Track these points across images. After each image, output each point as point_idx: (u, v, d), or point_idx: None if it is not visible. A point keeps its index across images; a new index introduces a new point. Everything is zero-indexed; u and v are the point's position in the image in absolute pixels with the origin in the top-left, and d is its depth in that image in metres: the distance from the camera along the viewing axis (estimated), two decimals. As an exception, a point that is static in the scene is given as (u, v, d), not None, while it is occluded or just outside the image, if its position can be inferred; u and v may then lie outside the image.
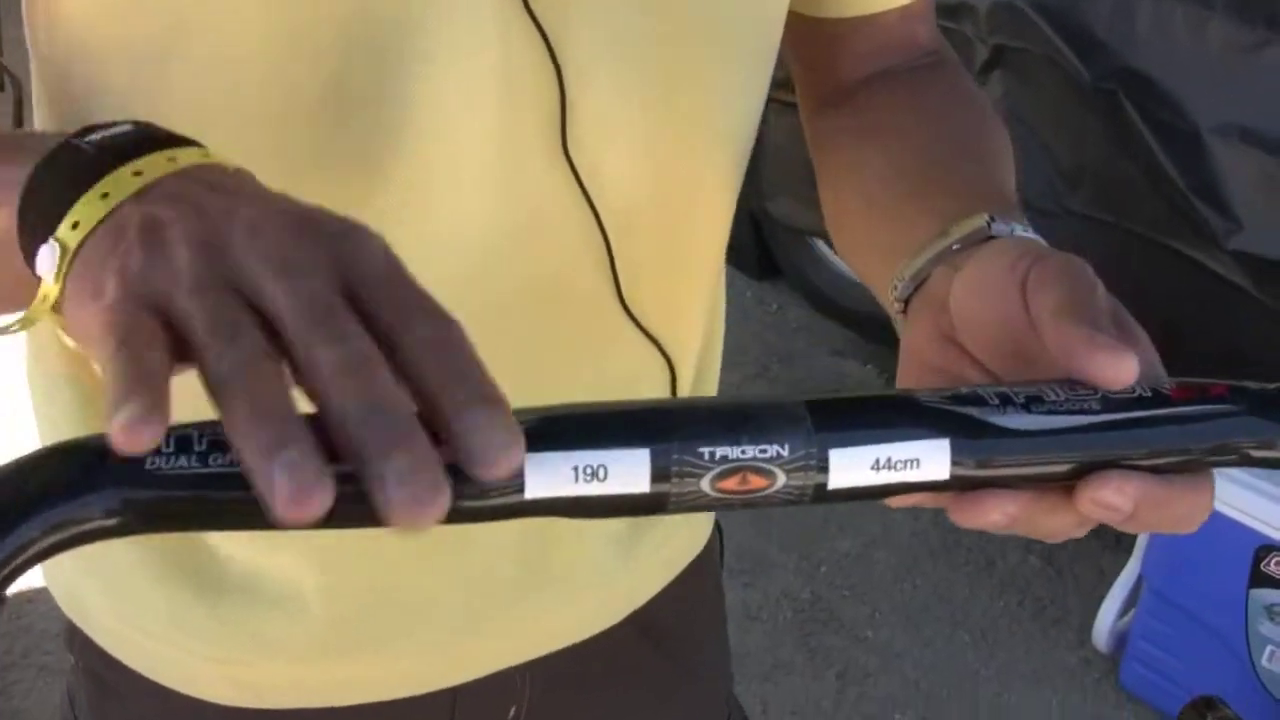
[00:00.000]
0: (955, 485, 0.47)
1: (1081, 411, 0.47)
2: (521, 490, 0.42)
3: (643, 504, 0.44)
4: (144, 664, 0.81)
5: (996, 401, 0.47)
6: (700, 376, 0.86)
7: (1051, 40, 2.55)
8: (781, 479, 0.45)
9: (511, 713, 0.87)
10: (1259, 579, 2.11)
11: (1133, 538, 2.39)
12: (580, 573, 0.83)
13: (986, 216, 0.60)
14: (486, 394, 0.38)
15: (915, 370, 0.58)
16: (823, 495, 0.46)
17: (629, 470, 0.43)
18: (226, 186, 0.45)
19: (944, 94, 0.80)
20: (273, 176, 0.50)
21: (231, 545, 0.77)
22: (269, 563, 0.77)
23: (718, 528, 0.97)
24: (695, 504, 0.45)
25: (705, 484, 0.44)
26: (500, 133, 0.66)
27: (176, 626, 0.78)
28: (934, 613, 2.56)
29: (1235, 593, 2.14)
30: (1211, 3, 2.24)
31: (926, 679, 2.42)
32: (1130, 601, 2.38)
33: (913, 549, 2.69)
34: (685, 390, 0.83)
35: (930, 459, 0.46)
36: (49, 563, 0.84)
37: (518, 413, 0.42)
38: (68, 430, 0.75)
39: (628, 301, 0.73)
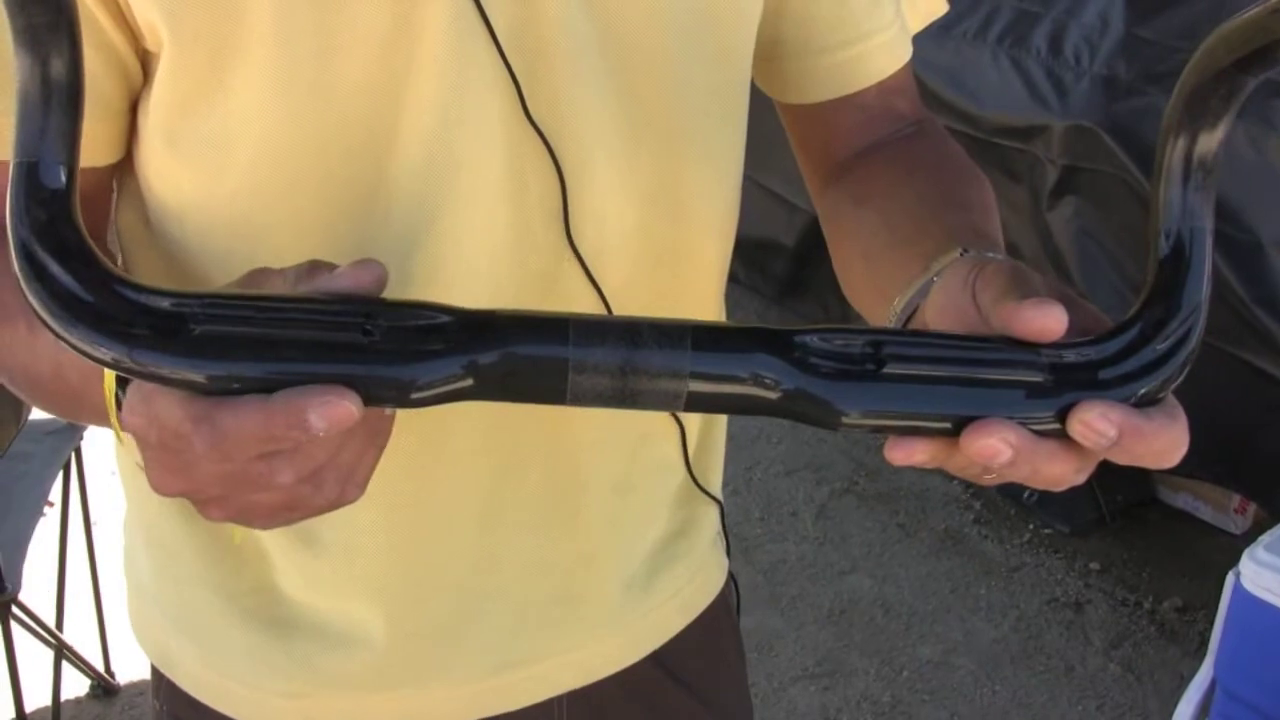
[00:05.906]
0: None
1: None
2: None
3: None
4: (224, 703, 0.92)
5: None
6: (707, 429, 0.96)
7: (1121, 160, 2.65)
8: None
9: None
10: (1329, 680, 2.13)
11: (1206, 642, 2.41)
12: (600, 611, 0.93)
13: (960, 249, 0.66)
14: None
15: None
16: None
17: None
18: None
19: (927, 155, 0.88)
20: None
21: (304, 593, 0.88)
22: (337, 605, 0.87)
23: (731, 579, 1.05)
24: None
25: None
26: (511, 227, 0.75)
27: (254, 667, 0.89)
28: (1013, 717, 2.59)
29: (1306, 693, 2.16)
30: (1273, 121, 2.34)
31: (1004, 782, 2.46)
32: (1206, 704, 2.39)
33: (994, 655, 2.73)
34: (693, 445, 0.93)
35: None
36: (140, 620, 0.98)
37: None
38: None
39: None
